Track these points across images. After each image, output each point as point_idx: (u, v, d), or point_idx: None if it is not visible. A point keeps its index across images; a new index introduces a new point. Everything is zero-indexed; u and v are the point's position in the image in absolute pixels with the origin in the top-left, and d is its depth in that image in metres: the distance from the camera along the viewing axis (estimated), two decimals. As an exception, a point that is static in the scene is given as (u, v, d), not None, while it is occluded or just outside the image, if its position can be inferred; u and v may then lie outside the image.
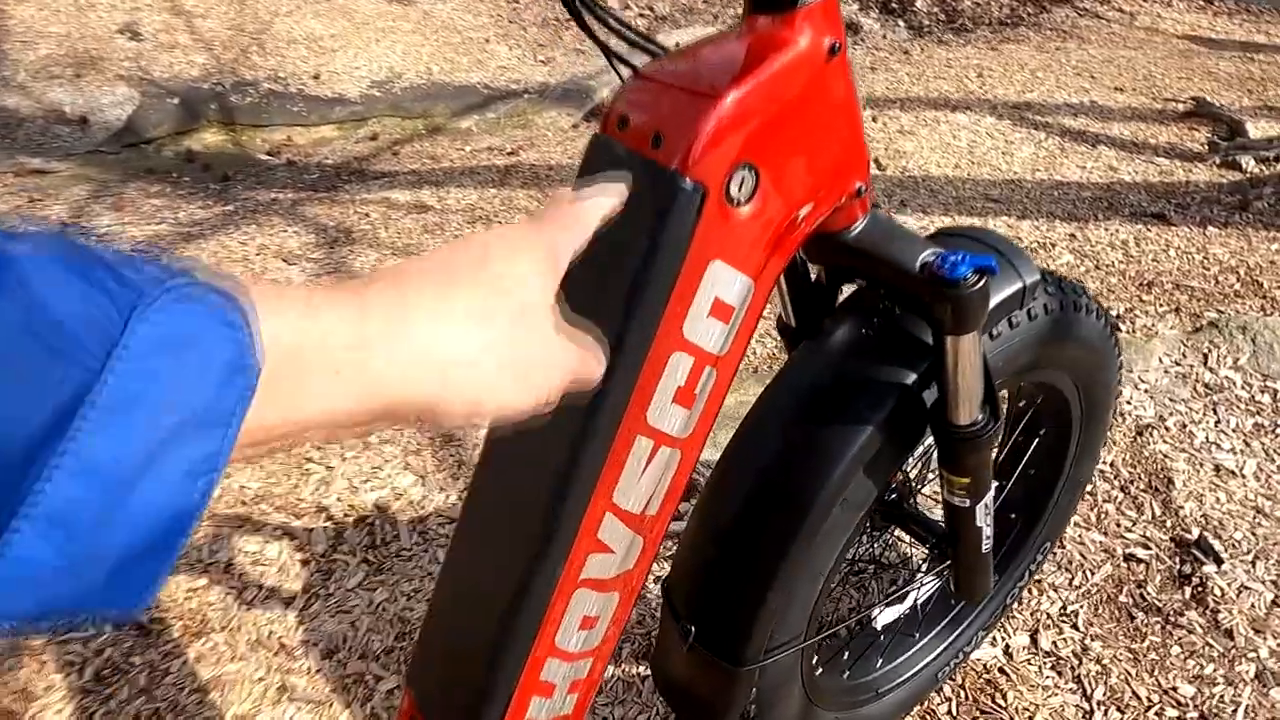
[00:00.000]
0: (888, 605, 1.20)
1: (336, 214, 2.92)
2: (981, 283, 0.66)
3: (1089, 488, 1.64)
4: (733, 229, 0.57)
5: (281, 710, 1.29)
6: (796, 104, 0.57)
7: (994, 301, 0.82)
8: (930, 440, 0.89)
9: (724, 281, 0.58)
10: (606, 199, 0.49)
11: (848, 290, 0.90)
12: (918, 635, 1.23)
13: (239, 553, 1.54)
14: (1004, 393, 1.26)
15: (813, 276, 0.90)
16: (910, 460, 1.14)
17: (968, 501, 0.86)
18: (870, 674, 1.18)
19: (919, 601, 1.23)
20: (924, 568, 1.12)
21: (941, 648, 1.24)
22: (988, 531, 0.91)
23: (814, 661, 1.11)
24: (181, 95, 3.98)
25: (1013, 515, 1.24)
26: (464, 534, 0.70)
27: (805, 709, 1.02)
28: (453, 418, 0.39)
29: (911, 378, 0.80)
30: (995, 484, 1.13)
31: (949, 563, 1.01)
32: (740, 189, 0.56)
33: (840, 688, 1.13)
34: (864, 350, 0.83)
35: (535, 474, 0.63)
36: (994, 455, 0.86)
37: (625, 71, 0.65)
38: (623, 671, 1.34)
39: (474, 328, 0.39)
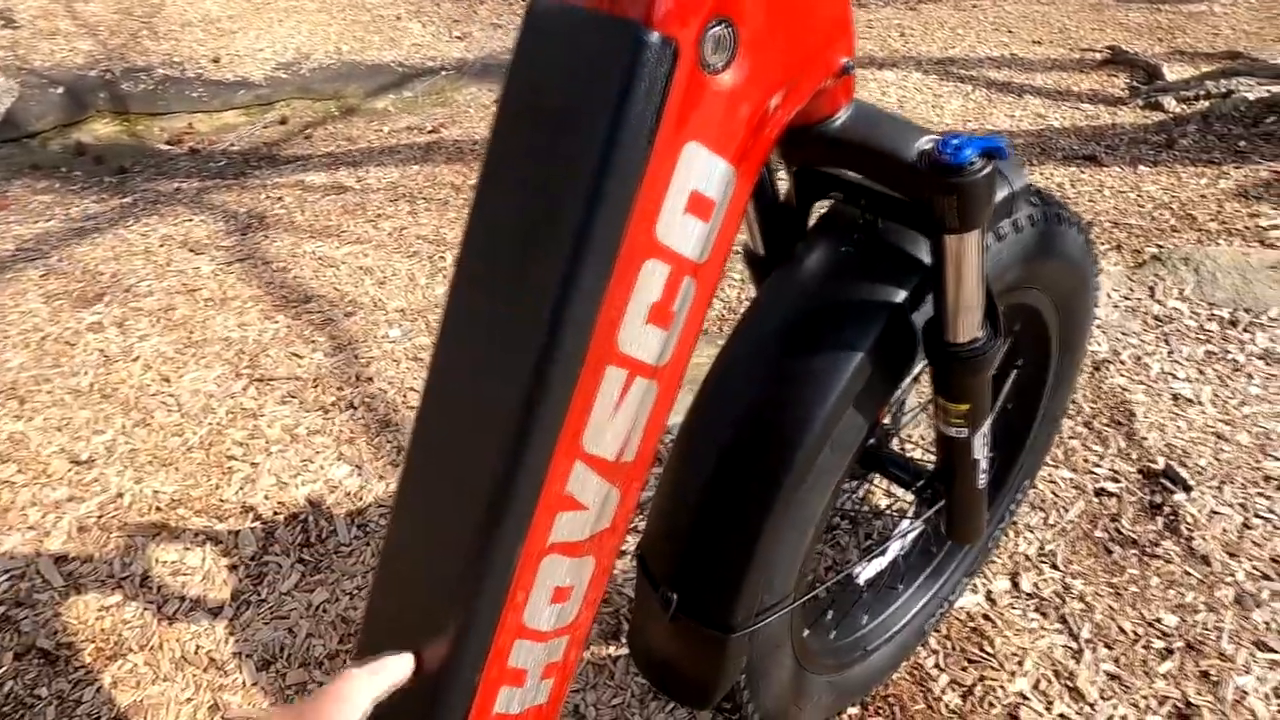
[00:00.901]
0: (870, 558, 1.13)
1: (247, 200, 2.72)
2: (989, 167, 0.57)
3: (1053, 426, 1.61)
4: (710, 101, 0.47)
5: (214, 732, 1.15)
6: None
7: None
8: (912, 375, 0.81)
9: (702, 168, 0.48)
10: (377, 678, 0.53)
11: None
12: (901, 587, 1.17)
13: (156, 563, 1.39)
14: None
15: (781, 196, 0.81)
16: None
17: (965, 431, 0.78)
18: (857, 632, 1.11)
19: (901, 552, 1.16)
20: (910, 513, 1.05)
21: (926, 598, 1.18)
22: (984, 465, 0.84)
23: (801, 623, 1.03)
24: (67, 85, 3.67)
25: (991, 454, 1.18)
26: (404, 506, 0.59)
27: (797, 675, 0.94)
28: None
29: (901, 296, 0.72)
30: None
31: (939, 505, 0.94)
32: (716, 50, 0.46)
33: (829, 649, 1.05)
34: (845, 271, 0.74)
35: (486, 421, 0.52)
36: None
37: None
38: (590, 653, 1.24)
39: None
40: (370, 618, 0.61)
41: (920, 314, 0.73)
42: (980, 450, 0.81)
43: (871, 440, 1.08)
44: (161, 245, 2.40)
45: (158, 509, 1.49)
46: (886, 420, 1.13)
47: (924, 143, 0.59)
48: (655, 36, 0.43)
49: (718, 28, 0.46)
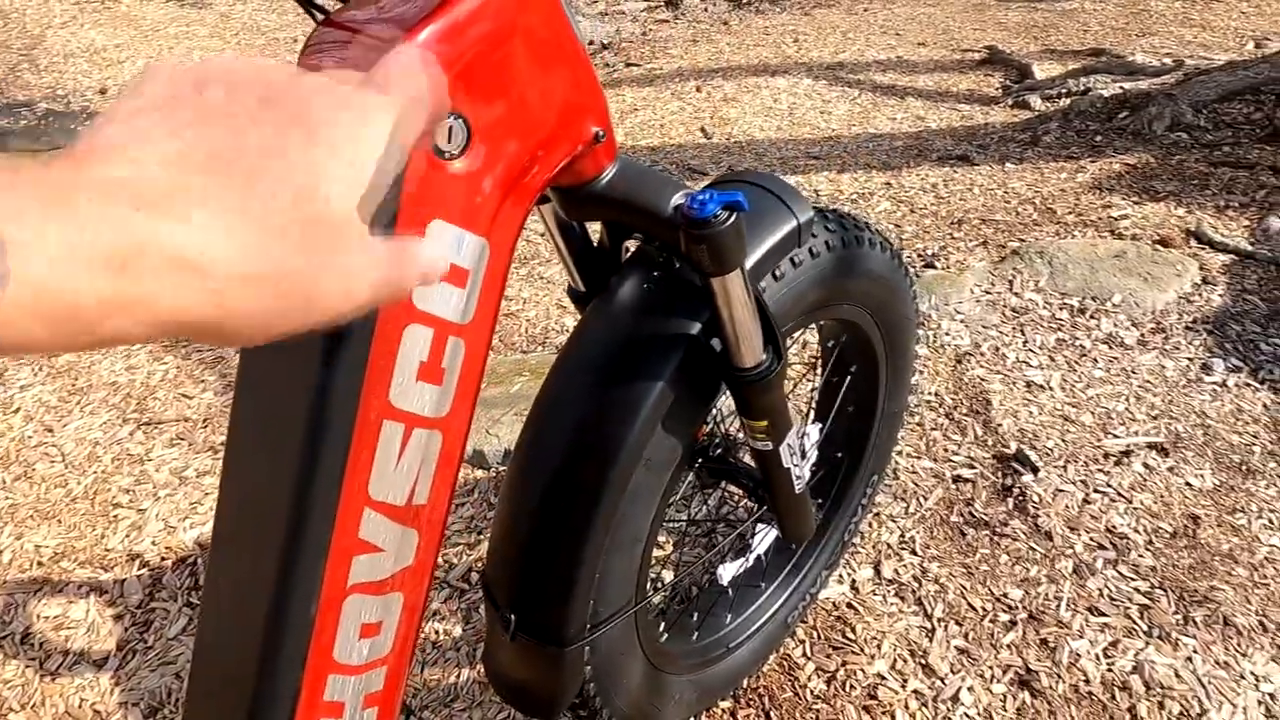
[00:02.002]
0: (729, 560, 1.20)
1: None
2: (732, 219, 0.64)
3: (918, 418, 1.71)
4: (448, 185, 0.53)
5: (98, 784, 1.16)
6: (502, 42, 0.53)
7: (771, 241, 0.82)
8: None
9: (450, 242, 0.54)
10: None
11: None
12: (764, 584, 1.24)
13: (37, 619, 1.38)
14: (811, 332, 1.28)
15: (595, 240, 0.87)
16: (727, 414, 1.15)
17: (770, 445, 0.86)
18: (720, 631, 1.17)
19: (761, 551, 1.24)
20: (755, 517, 1.13)
21: (788, 593, 1.25)
22: (798, 472, 0.92)
23: (660, 629, 1.09)
24: (-58, 124, 3.54)
25: (839, 454, 1.26)
26: (216, 554, 0.63)
27: (652, 678, 1.00)
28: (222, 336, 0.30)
29: (696, 327, 0.79)
30: (818, 425, 1.15)
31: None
32: (449, 140, 0.52)
33: (690, 650, 1.12)
34: (647, 306, 0.81)
35: (273, 476, 0.57)
36: (787, 394, 0.86)
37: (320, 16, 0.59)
38: (478, 673, 1.29)
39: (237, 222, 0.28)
40: (194, 673, 0.65)
41: (718, 341, 0.80)
42: (789, 459, 0.89)
43: (718, 449, 1.15)
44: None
45: (40, 563, 1.48)
46: (734, 427, 1.20)
47: (677, 198, 0.65)
48: None
49: (447, 121, 0.51)
